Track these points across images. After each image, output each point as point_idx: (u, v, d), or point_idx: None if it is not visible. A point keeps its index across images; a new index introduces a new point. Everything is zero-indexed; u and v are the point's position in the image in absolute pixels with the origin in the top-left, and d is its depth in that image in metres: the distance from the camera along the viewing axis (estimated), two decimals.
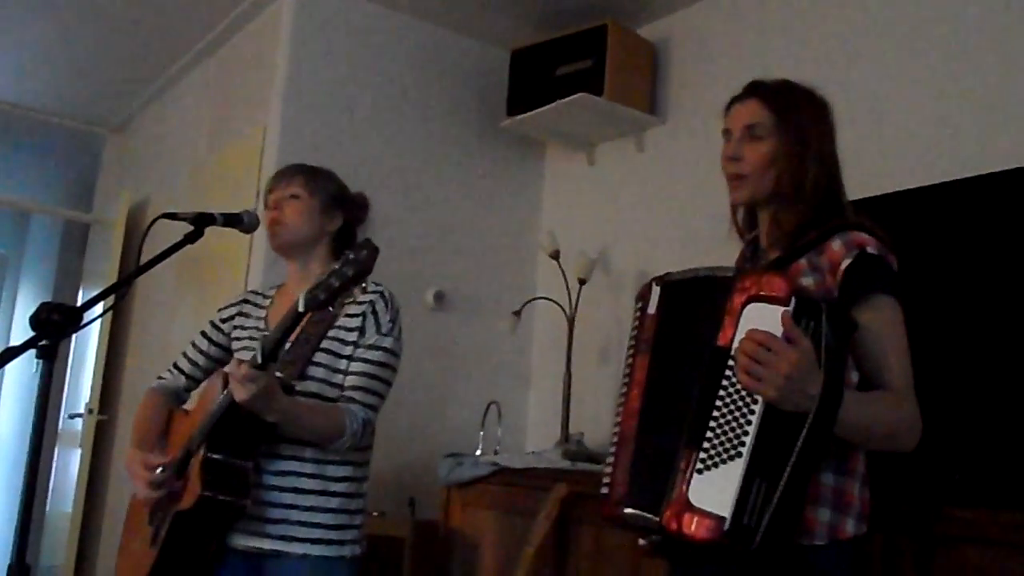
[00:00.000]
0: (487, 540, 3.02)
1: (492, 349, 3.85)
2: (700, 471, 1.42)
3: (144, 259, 1.85)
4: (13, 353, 1.53)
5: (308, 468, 1.96)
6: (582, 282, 3.52)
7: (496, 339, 3.80)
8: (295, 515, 1.94)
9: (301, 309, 1.67)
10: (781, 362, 1.37)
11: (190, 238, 1.89)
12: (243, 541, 1.94)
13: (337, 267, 1.63)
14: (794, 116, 1.64)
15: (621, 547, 2.49)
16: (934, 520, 1.87)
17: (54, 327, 1.54)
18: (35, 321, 1.54)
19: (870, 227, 1.59)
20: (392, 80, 3.73)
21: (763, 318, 1.41)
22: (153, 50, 4.38)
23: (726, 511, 1.38)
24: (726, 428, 1.42)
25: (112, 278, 4.59)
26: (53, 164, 6.27)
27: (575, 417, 3.39)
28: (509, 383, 3.87)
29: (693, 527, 1.41)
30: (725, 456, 1.41)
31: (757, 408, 1.40)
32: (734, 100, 1.72)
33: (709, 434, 1.43)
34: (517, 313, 3.59)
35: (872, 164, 2.66)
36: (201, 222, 1.90)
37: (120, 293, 1.94)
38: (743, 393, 1.42)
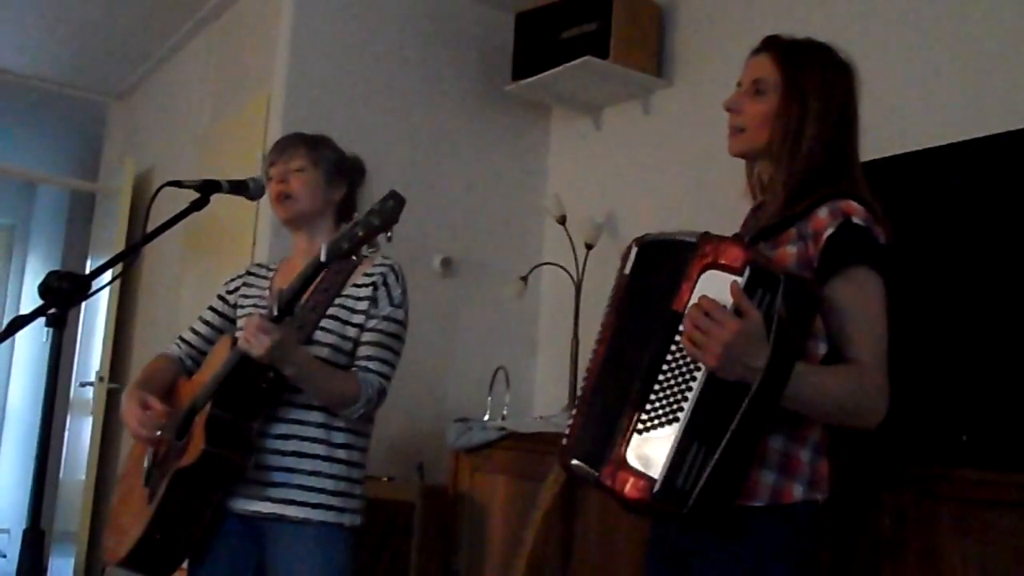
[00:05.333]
0: (496, 504, 3.04)
1: (499, 315, 3.86)
2: (640, 431, 1.44)
3: (151, 227, 1.85)
4: (23, 321, 1.54)
5: (312, 432, 1.97)
6: (589, 247, 3.51)
7: (503, 305, 3.81)
8: (297, 479, 1.94)
9: (323, 259, 1.66)
10: (722, 331, 1.37)
11: (196, 206, 1.89)
12: (243, 505, 1.95)
13: (363, 217, 1.63)
14: (800, 77, 1.61)
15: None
16: (940, 481, 1.88)
17: (63, 295, 1.55)
18: (44, 289, 1.55)
19: (862, 196, 1.56)
20: (396, 45, 3.70)
21: (717, 286, 1.41)
22: (157, 17, 4.35)
23: (657, 473, 1.40)
24: (668, 391, 1.44)
25: (120, 246, 4.60)
26: (58, 133, 6.26)
27: (582, 382, 3.40)
28: (516, 348, 3.87)
29: (626, 486, 1.43)
30: (664, 419, 1.42)
31: (699, 375, 1.41)
32: (752, 53, 1.70)
33: (652, 396, 1.45)
34: (524, 279, 3.59)
35: (877, 127, 2.63)
36: (207, 189, 1.89)
37: (128, 261, 1.94)
38: (688, 359, 1.43)
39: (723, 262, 1.43)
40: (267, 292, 2.13)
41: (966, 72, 2.57)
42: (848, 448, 1.63)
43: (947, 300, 2.15)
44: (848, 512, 1.95)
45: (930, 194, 2.26)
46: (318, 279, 1.92)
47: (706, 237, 1.49)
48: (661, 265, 1.56)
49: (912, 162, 2.33)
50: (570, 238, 3.55)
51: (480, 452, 3.10)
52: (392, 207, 1.62)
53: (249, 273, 2.24)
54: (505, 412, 3.40)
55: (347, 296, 2.01)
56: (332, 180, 2.13)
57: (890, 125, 2.57)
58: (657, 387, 1.45)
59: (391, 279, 2.04)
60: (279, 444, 1.95)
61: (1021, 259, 2.07)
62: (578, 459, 1.55)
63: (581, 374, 3.34)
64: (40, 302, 1.55)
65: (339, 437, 2.00)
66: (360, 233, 1.62)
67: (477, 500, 3.11)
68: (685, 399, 1.42)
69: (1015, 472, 1.79)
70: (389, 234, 1.66)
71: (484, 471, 3.10)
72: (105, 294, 4.62)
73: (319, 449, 1.97)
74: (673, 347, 1.45)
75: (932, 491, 1.89)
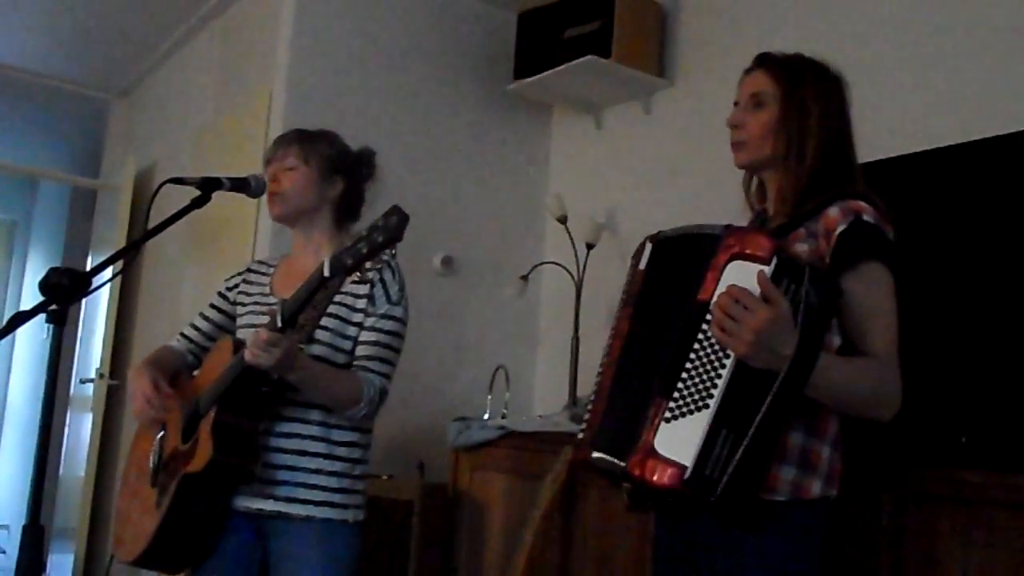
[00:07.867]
0: (495, 503, 3.04)
1: (500, 314, 3.86)
2: (668, 420, 1.45)
3: (152, 224, 1.86)
4: (24, 318, 1.54)
5: (313, 431, 1.98)
6: (590, 246, 3.51)
7: (504, 304, 3.81)
8: (299, 477, 1.96)
9: (327, 273, 1.64)
10: (752, 319, 1.38)
11: (197, 203, 1.89)
12: (246, 503, 1.96)
13: (366, 233, 1.62)
14: (798, 88, 1.65)
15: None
16: (939, 482, 1.88)
17: (64, 292, 1.55)
18: (45, 286, 1.55)
19: (869, 196, 1.60)
20: (398, 42, 3.70)
21: (744, 276, 1.43)
22: (158, 14, 4.35)
23: (688, 460, 1.41)
24: (697, 380, 1.44)
25: (120, 243, 4.60)
26: (60, 130, 6.26)
27: (583, 381, 3.40)
28: (517, 347, 3.88)
29: (655, 474, 1.43)
30: (693, 407, 1.43)
31: (728, 363, 1.42)
32: (745, 72, 1.74)
33: (680, 385, 1.45)
34: (525, 278, 3.59)
35: (875, 128, 2.63)
36: (208, 186, 1.89)
37: (128, 258, 1.94)
38: (717, 347, 1.44)
39: (749, 252, 1.44)
40: (267, 289, 2.14)
41: (958, 76, 2.57)
42: (847, 449, 1.63)
43: (945, 302, 2.15)
44: (847, 513, 1.95)
45: (926, 197, 2.26)
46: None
47: (730, 228, 1.51)
48: (682, 259, 1.58)
49: (908, 165, 2.34)
50: (571, 237, 3.55)
51: (480, 451, 3.10)
52: (396, 223, 1.60)
53: (249, 270, 2.25)
54: (505, 411, 3.40)
55: (346, 294, 2.01)
56: (326, 176, 2.12)
57: (885, 128, 2.57)
58: (684, 376, 1.46)
59: (387, 276, 2.04)
60: (281, 442, 1.96)
61: (1018, 260, 2.07)
62: (600, 451, 1.56)
63: (582, 373, 3.38)
64: (41, 298, 1.55)
65: (340, 435, 2.00)
66: (364, 250, 1.61)
67: (477, 499, 3.11)
68: (714, 387, 1.42)
69: (1014, 473, 1.79)
70: (394, 250, 1.65)
71: (484, 470, 3.11)
72: (106, 291, 4.62)
73: (320, 447, 1.98)
74: (700, 336, 1.46)
75: (931, 492, 1.89)
